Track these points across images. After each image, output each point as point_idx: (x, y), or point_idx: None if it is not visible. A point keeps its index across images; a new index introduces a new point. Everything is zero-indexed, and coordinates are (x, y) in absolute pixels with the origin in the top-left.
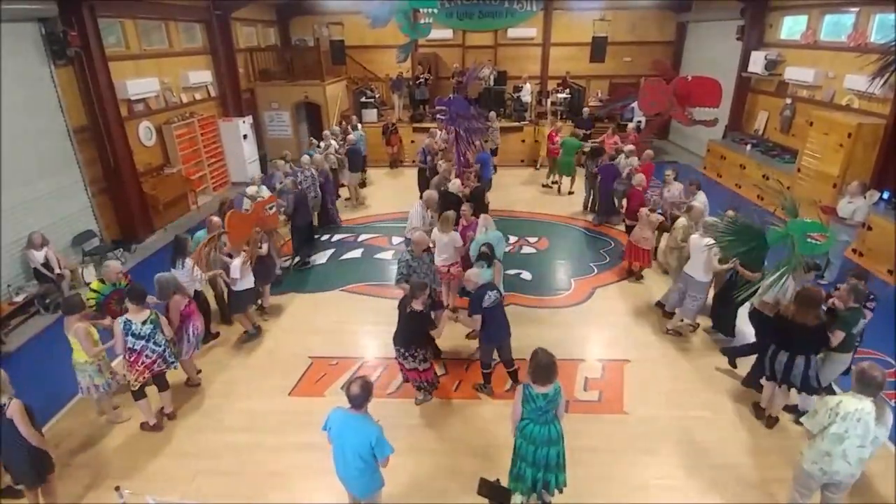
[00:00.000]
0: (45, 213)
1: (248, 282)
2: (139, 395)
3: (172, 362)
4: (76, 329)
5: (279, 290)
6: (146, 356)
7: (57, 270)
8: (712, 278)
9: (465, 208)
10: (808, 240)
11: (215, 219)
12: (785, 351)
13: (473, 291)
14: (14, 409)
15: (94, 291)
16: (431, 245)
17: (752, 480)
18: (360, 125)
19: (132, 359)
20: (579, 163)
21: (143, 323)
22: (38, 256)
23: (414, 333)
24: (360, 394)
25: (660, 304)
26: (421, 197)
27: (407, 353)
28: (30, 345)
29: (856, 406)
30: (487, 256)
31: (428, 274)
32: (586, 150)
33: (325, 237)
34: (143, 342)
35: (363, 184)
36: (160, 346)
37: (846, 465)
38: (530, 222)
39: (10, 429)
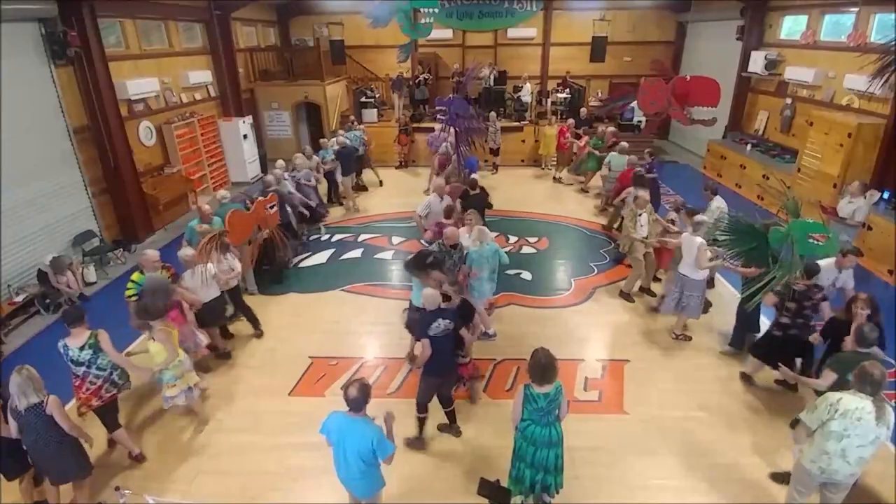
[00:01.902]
0: (45, 213)
1: (212, 291)
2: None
3: (123, 384)
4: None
5: (280, 289)
6: (90, 382)
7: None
8: (707, 275)
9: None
10: (810, 240)
11: (205, 206)
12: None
13: (427, 312)
14: (53, 405)
15: (133, 283)
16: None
17: (752, 480)
18: (360, 125)
19: (76, 384)
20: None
21: (82, 349)
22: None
23: None
24: (359, 396)
25: (643, 289)
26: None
27: None
28: (30, 345)
29: (856, 405)
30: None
31: (452, 270)
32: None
33: (326, 237)
34: (83, 368)
35: (361, 188)
36: (104, 371)
37: (845, 465)
38: (530, 222)
39: (50, 425)
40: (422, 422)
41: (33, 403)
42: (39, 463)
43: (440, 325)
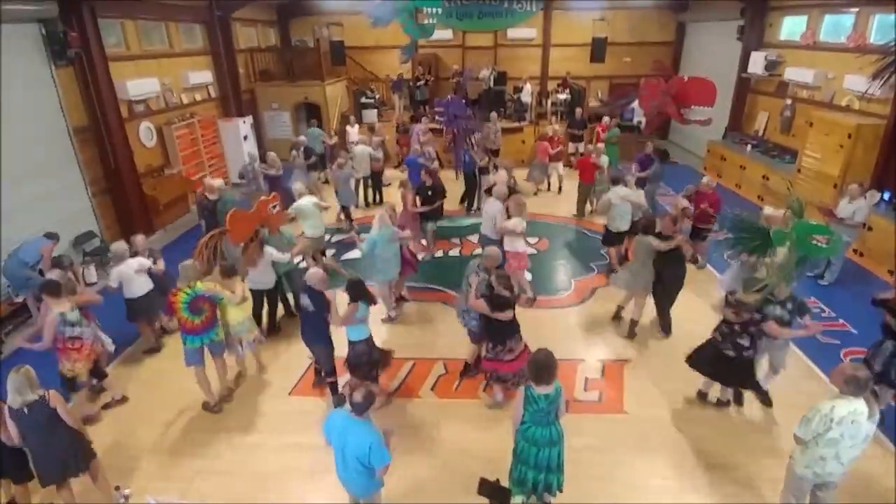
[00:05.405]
0: (45, 214)
1: (141, 288)
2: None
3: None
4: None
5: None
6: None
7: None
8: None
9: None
10: (813, 242)
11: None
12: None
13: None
14: (56, 398)
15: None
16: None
17: (751, 481)
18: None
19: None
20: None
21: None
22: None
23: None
24: (363, 402)
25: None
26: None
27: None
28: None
29: (848, 409)
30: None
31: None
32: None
33: (326, 237)
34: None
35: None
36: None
37: (839, 466)
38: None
39: (53, 419)
40: (330, 385)
41: (32, 400)
42: (44, 463)
43: (303, 298)
